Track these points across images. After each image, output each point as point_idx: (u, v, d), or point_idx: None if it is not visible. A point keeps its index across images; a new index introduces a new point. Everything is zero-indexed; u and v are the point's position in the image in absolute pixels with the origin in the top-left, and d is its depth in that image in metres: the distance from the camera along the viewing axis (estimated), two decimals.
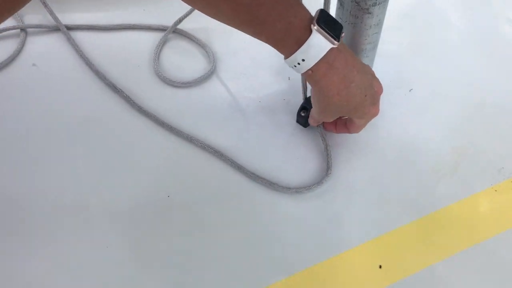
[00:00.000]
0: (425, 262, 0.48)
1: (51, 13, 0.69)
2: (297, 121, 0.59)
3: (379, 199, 0.53)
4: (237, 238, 0.50)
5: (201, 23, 0.70)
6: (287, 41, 0.45)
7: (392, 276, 0.48)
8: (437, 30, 0.71)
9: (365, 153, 0.57)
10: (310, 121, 0.56)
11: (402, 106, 0.61)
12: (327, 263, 0.49)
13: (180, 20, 0.68)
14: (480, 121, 0.60)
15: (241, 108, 0.61)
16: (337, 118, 0.52)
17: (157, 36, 0.69)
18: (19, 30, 0.69)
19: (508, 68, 0.66)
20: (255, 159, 0.56)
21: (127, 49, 0.68)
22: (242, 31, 0.48)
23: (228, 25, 0.48)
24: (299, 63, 0.45)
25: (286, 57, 0.46)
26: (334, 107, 0.48)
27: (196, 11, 0.68)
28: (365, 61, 0.57)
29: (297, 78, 0.64)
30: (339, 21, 0.50)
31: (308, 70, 0.45)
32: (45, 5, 0.69)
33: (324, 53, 0.44)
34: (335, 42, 0.44)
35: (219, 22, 0.72)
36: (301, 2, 0.46)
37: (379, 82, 0.50)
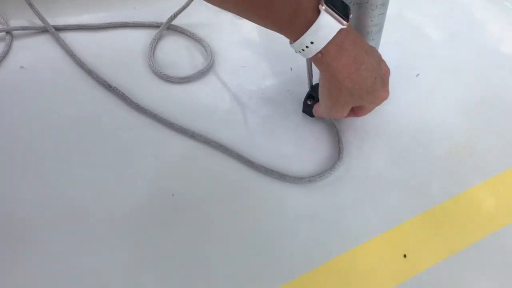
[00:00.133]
0: (452, 248, 0.45)
1: (38, 14, 0.66)
2: (303, 111, 0.57)
3: (396, 185, 0.50)
4: (249, 235, 0.47)
5: (195, 18, 0.68)
6: (295, 23, 0.42)
7: (418, 265, 0.45)
8: (440, 13, 0.70)
9: (376, 139, 0.54)
10: (317, 115, 0.54)
11: (410, 91, 0.59)
12: (347, 255, 0.46)
13: (175, 16, 0.66)
14: (491, 101, 0.58)
15: (243, 101, 0.58)
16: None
17: (150, 33, 0.66)
18: (4, 33, 0.66)
19: None
20: (262, 152, 0.53)
21: (119, 48, 0.65)
22: (247, 17, 0.46)
23: (233, 11, 0.45)
24: (307, 46, 0.43)
25: (293, 41, 0.44)
26: (346, 94, 0.46)
27: (190, 6, 0.67)
28: (371, 44, 0.55)
29: (299, 68, 0.61)
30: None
31: (318, 53, 0.43)
32: (31, 6, 0.66)
33: (334, 34, 0.42)
34: (344, 22, 0.42)
35: (213, 17, 0.70)
36: None
37: (386, 64, 0.48)
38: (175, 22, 0.67)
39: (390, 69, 0.49)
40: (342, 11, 0.42)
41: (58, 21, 0.67)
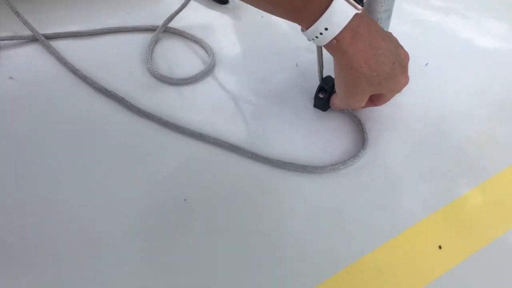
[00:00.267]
0: (489, 236, 0.43)
1: (26, 23, 0.62)
2: (315, 106, 0.54)
3: (423, 174, 0.47)
4: (275, 235, 0.43)
5: (192, 20, 0.66)
6: (308, 9, 0.40)
7: (455, 256, 0.42)
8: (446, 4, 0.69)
9: (394, 130, 0.52)
10: (335, 107, 0.52)
11: (421, 80, 0.57)
12: (381, 250, 0.42)
13: (172, 17, 0.63)
14: (503, 88, 0.56)
15: (251, 99, 0.55)
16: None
17: (145, 37, 0.63)
18: None
19: None
20: (276, 149, 0.50)
21: (115, 53, 0.62)
22: (257, 4, 0.43)
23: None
24: (321, 33, 0.41)
25: (305, 28, 0.42)
26: (364, 81, 0.43)
27: (188, 6, 0.64)
28: None
29: (305, 64, 0.59)
30: None
31: (333, 39, 0.41)
32: (18, 15, 0.62)
33: (349, 19, 0.40)
34: (359, 7, 0.40)
35: (211, 17, 0.68)
36: None
37: (404, 49, 0.46)
38: (171, 24, 0.64)
39: None
40: None
41: (48, 29, 0.64)
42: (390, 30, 0.54)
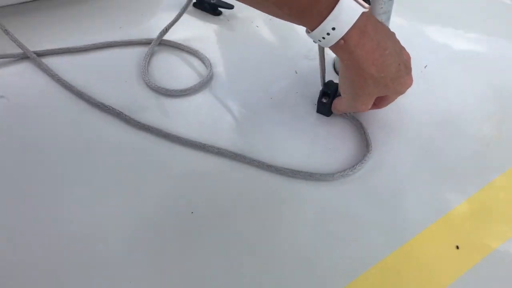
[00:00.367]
0: (506, 232, 0.42)
1: (15, 41, 0.61)
2: (318, 111, 0.53)
3: (431, 175, 0.47)
4: (288, 246, 0.42)
5: (186, 32, 0.65)
6: (315, 8, 0.39)
7: (473, 255, 0.41)
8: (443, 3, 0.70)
9: (399, 131, 0.51)
10: (338, 110, 0.51)
11: (421, 83, 0.57)
12: (397, 253, 0.41)
13: (166, 30, 0.62)
14: (503, 86, 0.57)
15: (252, 108, 0.54)
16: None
17: (140, 51, 0.62)
18: None
19: None
20: (282, 156, 0.49)
21: (109, 67, 0.60)
22: (261, 7, 0.43)
23: (246, 1, 0.42)
24: (328, 34, 0.40)
25: (311, 29, 0.41)
26: (371, 83, 0.43)
27: (181, 19, 0.64)
28: None
29: (304, 70, 0.59)
30: None
31: (340, 39, 0.40)
32: (7, 32, 0.61)
33: (356, 18, 0.39)
34: (366, 5, 0.39)
35: (205, 29, 0.67)
36: None
37: (406, 49, 0.46)
38: (165, 37, 0.63)
39: None
40: None
41: (39, 47, 0.62)
42: None
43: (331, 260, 0.41)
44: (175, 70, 0.60)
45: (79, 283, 0.39)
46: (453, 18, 0.68)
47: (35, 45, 0.62)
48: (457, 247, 0.42)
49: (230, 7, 0.67)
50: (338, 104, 0.50)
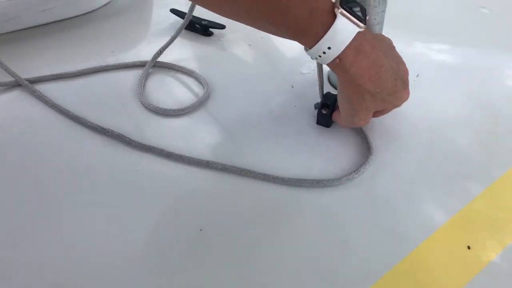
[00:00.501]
0: None
1: (6, 69, 0.60)
2: (318, 123, 0.54)
3: (435, 177, 0.47)
4: (300, 255, 0.41)
5: (180, 54, 0.65)
6: (311, 28, 0.40)
7: (486, 254, 0.41)
8: (433, 10, 0.72)
9: (398, 138, 0.52)
10: (341, 125, 0.52)
11: (415, 91, 0.58)
12: (411, 257, 0.41)
13: (161, 51, 0.62)
14: (497, 87, 0.59)
15: (252, 123, 0.54)
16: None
17: (134, 73, 0.62)
18: None
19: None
20: (287, 169, 0.49)
21: (104, 91, 0.60)
22: (259, 26, 0.43)
23: (244, 21, 0.43)
24: (324, 52, 0.41)
25: (309, 48, 0.42)
26: (368, 98, 0.44)
27: (175, 42, 0.64)
28: None
29: (300, 85, 0.60)
30: None
31: (336, 58, 0.41)
32: None
33: (351, 38, 0.40)
34: (361, 25, 0.41)
35: (198, 50, 0.68)
36: None
37: (405, 64, 0.47)
38: (159, 59, 0.63)
39: None
40: (361, 13, 0.41)
41: (30, 74, 0.61)
42: None
43: (345, 269, 0.40)
44: (171, 91, 0.60)
45: None
46: (441, 28, 0.70)
47: (27, 73, 0.61)
48: (469, 247, 0.42)
49: (222, 27, 0.68)
50: (338, 119, 0.51)
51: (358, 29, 0.40)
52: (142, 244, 0.43)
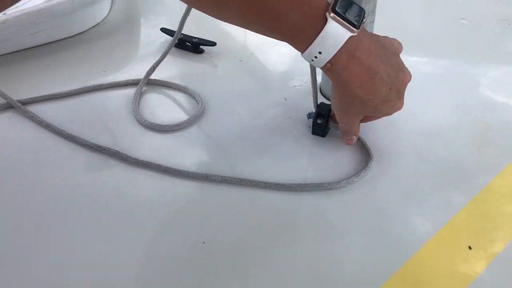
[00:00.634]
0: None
1: None
2: (314, 133, 0.54)
3: (434, 179, 0.49)
4: (305, 264, 0.41)
5: (172, 72, 0.66)
6: (303, 33, 0.41)
7: (488, 253, 0.42)
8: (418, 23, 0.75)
9: (394, 144, 0.53)
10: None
11: (406, 97, 0.60)
12: (414, 260, 0.42)
13: (154, 68, 0.63)
14: (483, 91, 0.61)
15: (248, 135, 0.55)
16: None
17: (127, 92, 0.62)
18: None
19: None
20: (286, 176, 0.49)
21: (98, 109, 0.60)
22: (254, 29, 0.44)
23: (238, 24, 0.44)
24: (316, 57, 0.41)
25: (302, 51, 0.42)
26: (357, 103, 0.44)
27: (167, 60, 0.64)
28: None
29: (294, 96, 0.61)
30: None
31: (327, 63, 0.41)
32: None
33: (342, 43, 0.40)
34: (354, 29, 0.40)
35: (190, 66, 0.68)
36: None
37: (406, 70, 0.46)
38: (152, 77, 0.64)
39: None
40: (353, 17, 0.40)
41: (22, 96, 0.61)
42: None
43: (350, 273, 0.41)
44: (166, 107, 0.60)
45: None
46: (425, 39, 0.73)
47: (19, 95, 0.61)
48: (470, 248, 0.43)
49: (213, 44, 0.69)
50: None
51: (350, 34, 0.40)
52: (145, 260, 0.42)
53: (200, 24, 0.70)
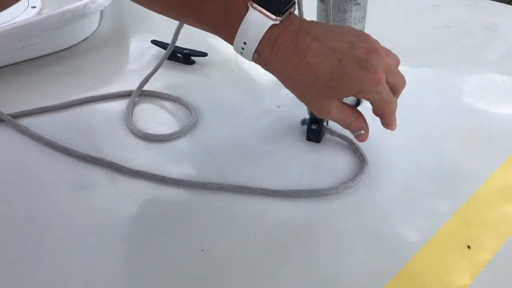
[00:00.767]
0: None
1: None
2: (308, 139, 0.55)
3: (429, 182, 0.49)
4: (307, 270, 0.41)
5: (164, 82, 0.66)
6: (228, 24, 0.39)
7: (487, 251, 0.42)
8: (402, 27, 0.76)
9: (389, 148, 0.53)
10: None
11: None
12: (413, 261, 0.42)
13: (147, 80, 0.63)
14: (469, 94, 0.62)
15: (244, 142, 0.55)
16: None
17: (120, 103, 0.62)
18: None
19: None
20: (282, 182, 0.49)
21: (91, 121, 0.59)
22: (186, 22, 0.44)
23: (172, 17, 0.43)
24: (243, 48, 0.39)
25: (232, 44, 0.40)
26: (305, 88, 0.40)
27: (159, 71, 0.64)
28: None
29: (287, 104, 0.61)
30: (324, 20, 0.50)
31: (254, 53, 0.39)
32: None
33: (264, 31, 0.38)
34: (273, 17, 0.37)
35: (182, 77, 0.68)
36: None
37: (369, 38, 0.40)
38: (145, 88, 0.64)
39: None
40: (276, 5, 0.38)
41: (13, 109, 0.60)
42: None
43: (350, 277, 0.41)
44: (159, 117, 0.60)
45: None
46: (414, 46, 0.74)
47: (9, 109, 0.60)
48: (469, 247, 0.43)
49: (204, 55, 0.69)
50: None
51: (271, 22, 0.37)
52: (144, 270, 0.42)
53: (190, 35, 0.71)
